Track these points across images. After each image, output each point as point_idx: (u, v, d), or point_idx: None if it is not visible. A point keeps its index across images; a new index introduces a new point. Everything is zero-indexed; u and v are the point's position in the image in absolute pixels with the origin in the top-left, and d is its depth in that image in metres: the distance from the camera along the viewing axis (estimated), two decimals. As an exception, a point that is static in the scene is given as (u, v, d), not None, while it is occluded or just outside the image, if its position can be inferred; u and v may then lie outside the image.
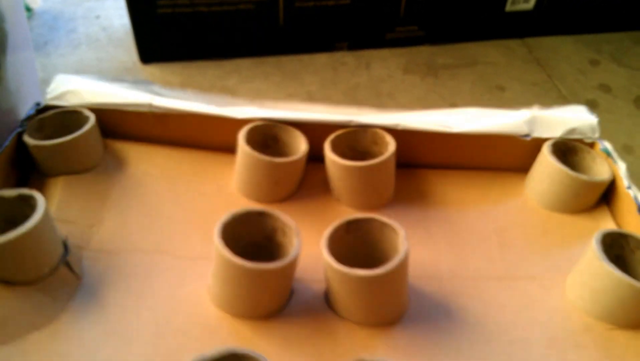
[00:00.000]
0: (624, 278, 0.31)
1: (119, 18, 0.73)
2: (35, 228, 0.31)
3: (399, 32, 0.73)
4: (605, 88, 0.69)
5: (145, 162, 0.41)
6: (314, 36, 0.70)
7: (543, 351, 0.31)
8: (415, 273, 0.35)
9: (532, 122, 0.40)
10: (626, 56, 0.76)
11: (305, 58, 0.70)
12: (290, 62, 0.69)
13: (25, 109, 0.43)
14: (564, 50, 0.76)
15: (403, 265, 0.31)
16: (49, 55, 0.66)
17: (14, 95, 0.43)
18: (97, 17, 0.74)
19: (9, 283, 0.32)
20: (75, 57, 0.66)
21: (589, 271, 0.32)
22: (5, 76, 0.42)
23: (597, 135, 0.41)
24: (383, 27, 0.72)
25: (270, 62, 0.69)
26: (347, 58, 0.71)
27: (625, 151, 0.60)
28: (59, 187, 0.38)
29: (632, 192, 0.37)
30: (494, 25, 0.76)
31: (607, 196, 0.40)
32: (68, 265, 0.34)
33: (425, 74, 0.70)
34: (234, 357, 0.27)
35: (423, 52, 0.73)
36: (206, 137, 0.42)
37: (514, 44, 0.77)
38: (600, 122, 0.42)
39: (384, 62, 0.71)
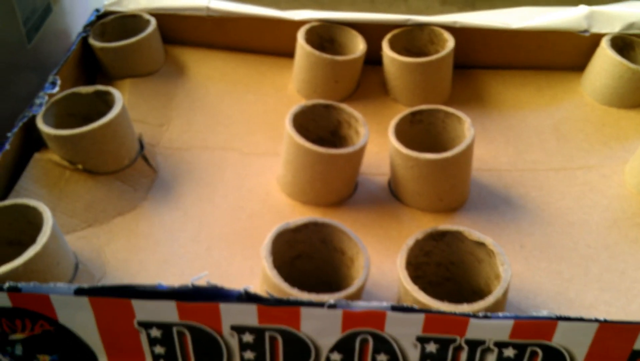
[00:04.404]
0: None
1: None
2: (116, 119, 0.33)
3: (436, -41, 0.71)
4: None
5: (205, 66, 0.42)
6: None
7: (603, 231, 0.32)
8: (474, 166, 0.36)
9: (590, 17, 0.40)
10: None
11: (343, -14, 0.69)
12: (328, -12, 0.68)
13: (77, 27, 0.44)
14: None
15: (469, 150, 0.32)
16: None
17: (69, 15, 0.44)
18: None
19: (92, 172, 0.33)
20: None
21: (649, 157, 0.33)
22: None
23: None
24: (420, -48, 0.70)
25: (309, -12, 0.68)
26: (384, -14, 0.70)
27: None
28: (126, 89, 0.39)
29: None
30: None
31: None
32: (145, 159, 0.35)
33: (463, 5, 0.68)
34: (315, 225, 0.28)
35: (461, -20, 0.72)
36: (263, 40, 0.42)
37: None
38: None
39: (422, -10, 0.70)
